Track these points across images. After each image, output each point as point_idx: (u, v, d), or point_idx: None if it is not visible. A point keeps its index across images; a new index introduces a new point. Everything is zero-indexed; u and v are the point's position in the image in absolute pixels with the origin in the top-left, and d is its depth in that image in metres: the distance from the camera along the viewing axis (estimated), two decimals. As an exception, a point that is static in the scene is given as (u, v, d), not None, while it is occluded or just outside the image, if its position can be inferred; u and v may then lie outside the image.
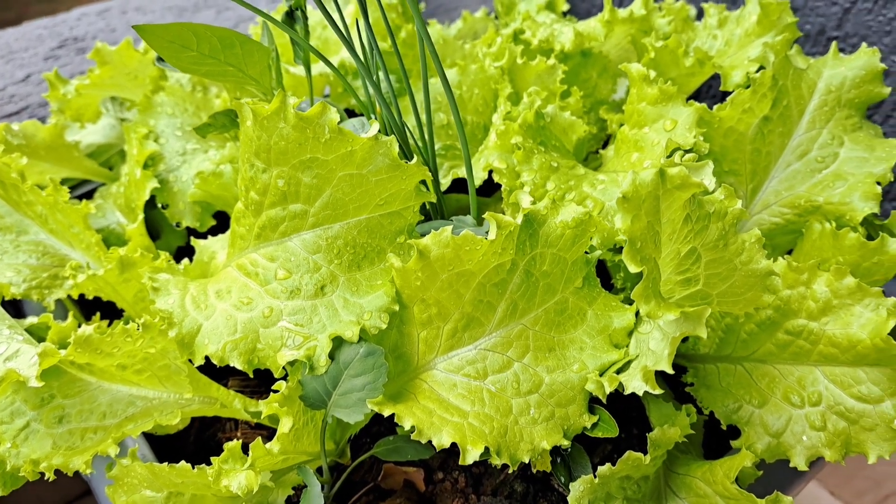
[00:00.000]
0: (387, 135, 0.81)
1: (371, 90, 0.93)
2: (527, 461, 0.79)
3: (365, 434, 1.03)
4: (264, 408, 0.77)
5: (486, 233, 0.77)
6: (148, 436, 1.00)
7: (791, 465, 0.86)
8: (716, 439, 1.01)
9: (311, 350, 0.80)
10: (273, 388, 0.79)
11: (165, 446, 1.03)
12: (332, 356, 0.80)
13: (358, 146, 0.79)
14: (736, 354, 0.94)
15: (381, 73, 0.92)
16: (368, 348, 0.80)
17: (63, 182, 1.24)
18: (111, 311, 1.10)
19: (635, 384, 0.74)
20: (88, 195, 1.29)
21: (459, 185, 1.24)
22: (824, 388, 0.86)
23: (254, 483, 0.73)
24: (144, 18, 1.87)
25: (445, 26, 1.45)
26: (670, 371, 0.70)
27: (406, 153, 0.91)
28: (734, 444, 0.88)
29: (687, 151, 0.89)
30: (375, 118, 0.97)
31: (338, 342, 0.80)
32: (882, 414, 0.82)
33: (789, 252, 1.04)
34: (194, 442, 1.04)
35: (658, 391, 0.73)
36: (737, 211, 0.80)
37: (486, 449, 0.76)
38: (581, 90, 1.25)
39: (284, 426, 0.76)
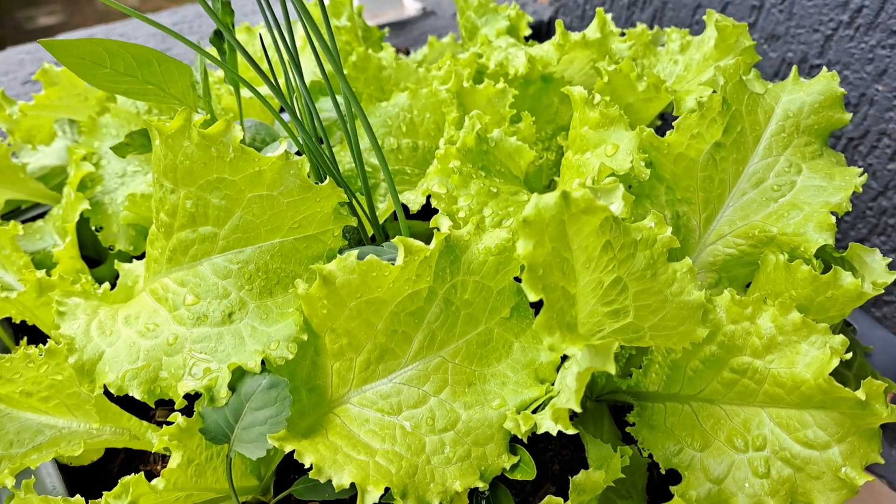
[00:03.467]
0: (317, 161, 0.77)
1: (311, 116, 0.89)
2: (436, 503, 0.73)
3: (293, 469, 0.98)
4: (157, 441, 0.72)
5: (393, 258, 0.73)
6: (66, 468, 0.96)
7: (732, 514, 0.79)
8: (665, 482, 0.94)
9: (213, 381, 0.75)
10: (168, 419, 0.74)
11: (87, 478, 0.98)
12: (234, 388, 0.76)
13: (266, 166, 0.75)
14: (683, 393, 0.89)
15: (307, 96, 0.88)
16: (272, 380, 0.75)
17: (12, 204, 1.22)
18: (45, 336, 1.07)
19: (547, 424, 0.69)
20: (41, 217, 1.26)
21: (426, 211, 1.20)
22: (769, 431, 0.80)
23: (134, 522, 0.68)
24: (128, 45, 1.87)
25: (414, 52, 1.43)
26: (578, 409, 0.64)
27: (322, 176, 0.87)
28: (673, 489, 0.82)
29: (622, 178, 0.84)
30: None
31: (241, 373, 0.76)
32: (829, 461, 0.76)
33: (748, 285, 0.98)
34: (117, 475, 0.99)
35: (571, 430, 0.67)
36: (666, 239, 0.75)
37: (388, 490, 0.71)
38: (543, 117, 1.21)
39: (174, 461, 0.71)
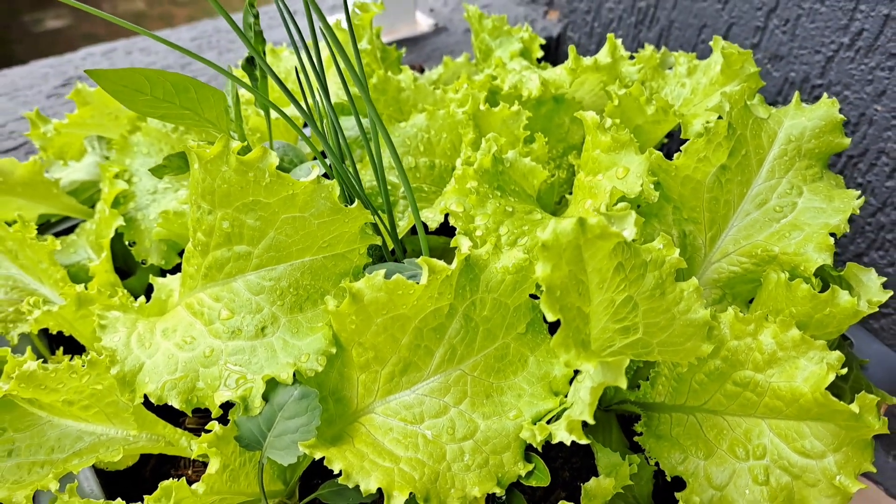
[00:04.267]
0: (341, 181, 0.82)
1: (330, 137, 0.94)
2: (457, 509, 0.78)
3: (317, 475, 1.03)
4: (195, 448, 0.77)
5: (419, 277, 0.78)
6: (101, 472, 1.01)
7: (734, 520, 0.84)
8: (670, 490, 0.99)
9: (247, 391, 0.80)
10: (206, 427, 0.79)
11: (122, 482, 1.03)
12: (267, 398, 0.81)
13: (299, 189, 0.80)
14: (689, 404, 0.93)
15: (334, 119, 0.94)
16: (303, 391, 0.80)
17: (43, 218, 1.27)
18: (79, 347, 1.12)
19: (562, 434, 0.73)
20: (71, 231, 1.32)
21: (443, 227, 1.26)
22: (769, 441, 0.85)
23: (177, 523, 0.73)
24: (148, 59, 1.93)
25: (428, 71, 1.48)
26: (591, 421, 0.69)
27: (350, 197, 0.92)
28: (678, 495, 0.87)
29: (632, 199, 0.89)
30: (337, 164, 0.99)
31: (273, 384, 0.81)
32: (824, 470, 0.81)
33: (751, 301, 1.03)
34: (150, 478, 1.04)
35: (584, 441, 0.72)
36: (674, 260, 0.79)
37: (412, 495, 0.75)
38: (554, 136, 1.26)
39: (212, 467, 0.76)
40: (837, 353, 0.81)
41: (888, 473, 1.72)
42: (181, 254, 1.15)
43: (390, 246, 1.05)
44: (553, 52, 2.06)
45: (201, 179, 0.82)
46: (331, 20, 1.41)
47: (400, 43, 1.95)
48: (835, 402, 0.77)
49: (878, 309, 1.57)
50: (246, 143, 0.87)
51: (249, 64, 0.95)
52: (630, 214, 0.71)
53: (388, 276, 0.79)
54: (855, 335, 1.17)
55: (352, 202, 0.94)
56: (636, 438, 0.94)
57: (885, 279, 0.90)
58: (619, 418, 1.07)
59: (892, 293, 0.89)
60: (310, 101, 1.14)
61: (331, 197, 0.81)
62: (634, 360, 1.01)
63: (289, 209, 0.81)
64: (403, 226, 1.07)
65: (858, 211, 0.95)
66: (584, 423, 1.03)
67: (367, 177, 1.12)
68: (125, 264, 1.24)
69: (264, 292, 0.84)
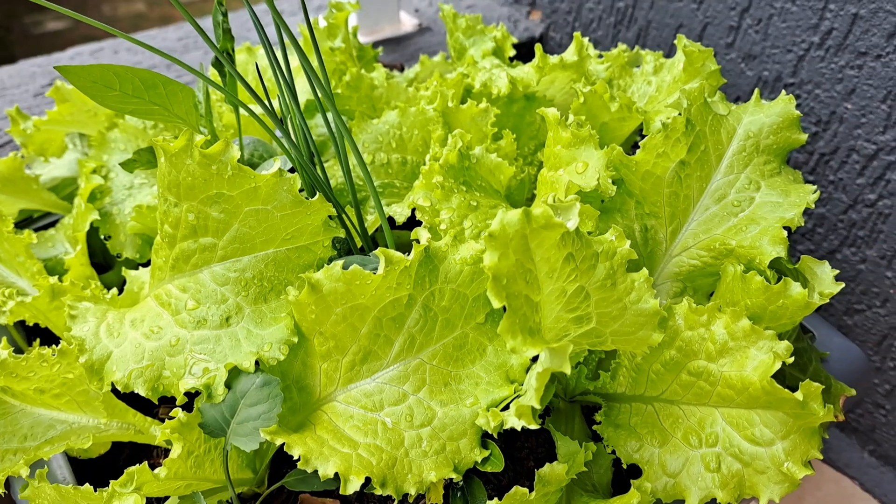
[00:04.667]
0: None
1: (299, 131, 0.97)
2: (413, 493, 0.80)
3: (287, 463, 1.05)
4: (159, 433, 0.80)
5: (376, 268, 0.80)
6: (76, 461, 1.03)
7: (686, 505, 0.86)
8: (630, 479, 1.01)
9: (211, 379, 0.82)
10: (170, 414, 0.82)
11: (96, 471, 1.06)
12: (230, 386, 0.83)
13: (261, 182, 0.82)
14: (647, 394, 0.95)
15: (300, 116, 0.96)
16: (265, 378, 0.82)
17: (25, 213, 1.30)
18: (55, 338, 1.15)
19: (512, 420, 0.76)
20: (52, 226, 1.34)
21: (411, 222, 1.28)
22: (721, 429, 0.87)
23: (140, 506, 0.76)
24: (135, 58, 1.95)
25: (408, 69, 1.50)
26: (538, 406, 0.71)
27: (313, 191, 0.95)
28: (633, 483, 0.89)
29: (592, 194, 0.91)
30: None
31: (237, 373, 0.83)
32: (773, 456, 0.83)
33: (711, 294, 1.05)
34: (124, 466, 1.06)
35: (534, 426, 0.74)
36: (625, 251, 0.81)
37: (368, 479, 0.78)
38: (526, 133, 1.28)
39: (174, 452, 0.78)
40: (786, 343, 0.83)
41: (863, 469, 1.74)
42: (156, 248, 1.17)
43: (359, 244, 1.07)
44: (533, 55, 2.08)
45: (167, 172, 0.84)
46: (318, 18, 1.43)
47: (383, 43, 1.97)
48: (781, 390, 0.79)
49: (852, 305, 1.59)
50: (209, 138, 0.89)
51: (219, 63, 0.97)
52: (574, 206, 0.74)
53: (346, 267, 0.81)
54: (818, 328, 1.19)
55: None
56: (595, 428, 0.96)
57: (837, 271, 0.92)
58: (583, 409, 1.09)
59: (843, 285, 0.91)
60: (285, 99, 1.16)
61: (292, 190, 0.83)
62: (595, 352, 1.03)
63: (252, 202, 0.84)
64: (372, 220, 1.10)
65: (814, 205, 0.98)
66: (545, 411, 1.06)
67: (339, 173, 1.15)
68: (104, 259, 1.26)
69: (229, 283, 0.86)
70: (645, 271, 0.82)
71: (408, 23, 2.06)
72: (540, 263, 0.74)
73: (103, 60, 1.94)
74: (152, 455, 1.07)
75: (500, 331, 0.70)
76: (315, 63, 0.89)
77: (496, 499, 0.80)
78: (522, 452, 1.07)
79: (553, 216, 0.69)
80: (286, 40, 1.14)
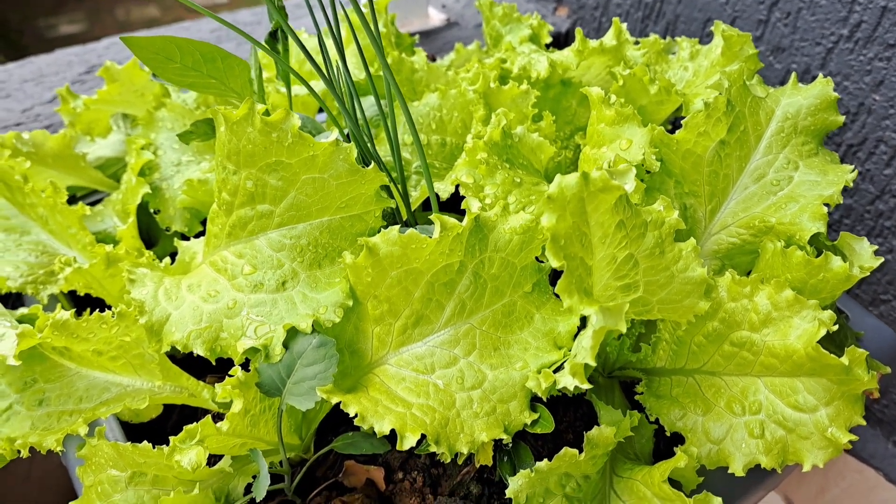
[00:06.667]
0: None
1: (348, 109, 0.99)
2: (465, 451, 0.82)
3: (331, 432, 1.07)
4: (219, 390, 0.82)
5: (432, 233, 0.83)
6: (127, 425, 1.06)
7: (729, 471, 0.88)
8: (670, 450, 1.03)
9: (269, 340, 0.85)
10: (229, 373, 0.84)
11: (146, 436, 1.08)
12: (288, 346, 0.85)
13: (319, 151, 0.85)
14: (688, 367, 0.97)
15: (351, 86, 0.98)
16: (321, 339, 0.85)
17: (71, 190, 1.33)
18: (103, 309, 1.17)
19: (566, 380, 0.78)
20: (97, 204, 1.37)
21: (451, 203, 1.31)
22: (764, 397, 0.89)
23: (202, 459, 0.78)
24: (168, 49, 1.98)
25: (440, 59, 1.53)
26: (593, 363, 0.73)
27: (366, 161, 0.97)
28: (677, 450, 0.91)
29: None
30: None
31: (293, 334, 0.85)
32: (817, 422, 0.85)
33: (749, 273, 1.07)
34: (172, 431, 1.09)
35: (586, 385, 0.76)
36: (673, 221, 0.84)
37: (423, 436, 0.80)
38: (562, 118, 1.31)
39: (235, 407, 0.81)
40: (829, 311, 0.85)
41: (888, 459, 1.75)
42: (203, 222, 1.20)
43: (404, 217, 1.09)
44: (562, 48, 2.10)
45: (227, 141, 0.87)
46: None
47: (411, 36, 2.00)
48: (826, 355, 0.81)
49: (878, 296, 1.61)
50: (270, 107, 0.92)
51: (272, 38, 1.00)
52: (630, 170, 0.76)
53: (402, 232, 0.83)
54: (851, 310, 1.21)
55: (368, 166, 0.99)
56: (637, 397, 0.98)
57: (876, 247, 0.94)
58: (621, 385, 1.11)
59: (882, 259, 0.93)
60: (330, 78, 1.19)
61: (348, 158, 0.85)
62: (636, 325, 1.05)
63: (309, 170, 0.86)
64: (415, 198, 1.12)
65: (852, 184, 1.00)
66: (585, 385, 1.08)
67: (383, 152, 1.17)
68: (148, 236, 1.29)
69: (285, 249, 0.89)
70: (692, 241, 0.84)
71: (436, 17, 2.09)
72: (594, 228, 0.77)
73: (137, 51, 1.97)
74: (201, 419, 1.09)
75: (558, 290, 0.73)
76: (369, 32, 0.91)
77: (546, 459, 0.82)
78: (562, 426, 1.09)
79: (610, 179, 0.71)
80: (340, 14, 1.17)
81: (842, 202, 0.98)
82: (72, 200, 1.32)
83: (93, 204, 1.32)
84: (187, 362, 1.13)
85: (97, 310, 0.93)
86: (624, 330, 0.72)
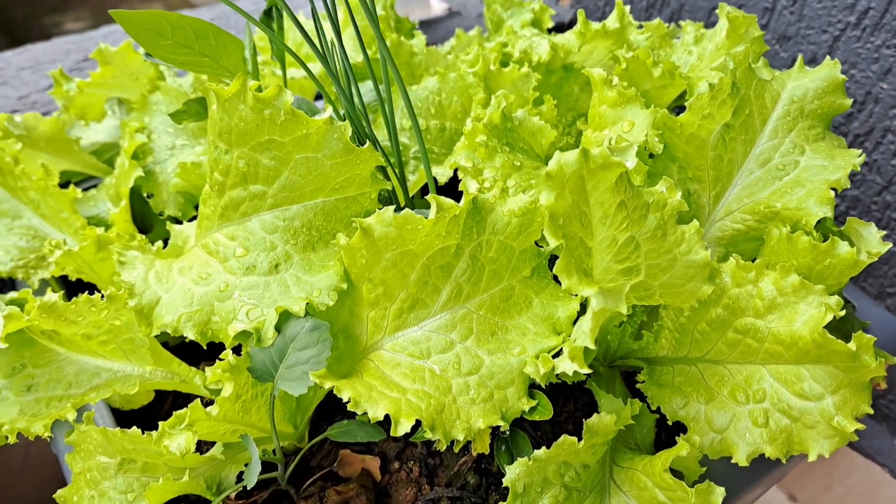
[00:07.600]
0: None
1: (345, 90, 0.97)
2: (461, 439, 0.80)
3: (327, 422, 1.05)
4: (209, 374, 0.80)
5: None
6: (118, 412, 1.04)
7: (732, 461, 0.86)
8: (671, 441, 1.01)
9: (261, 323, 0.83)
10: (220, 356, 0.82)
11: (136, 422, 1.06)
12: (280, 330, 0.83)
13: (313, 129, 0.83)
14: (691, 356, 0.95)
15: (347, 67, 0.96)
16: (314, 323, 0.82)
17: (66, 176, 1.31)
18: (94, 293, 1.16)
19: (565, 365, 0.76)
20: (92, 189, 1.35)
21: (450, 189, 1.29)
22: (769, 385, 0.86)
23: (191, 444, 0.76)
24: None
25: (441, 46, 1.51)
26: (593, 346, 0.71)
27: (361, 141, 0.95)
28: (679, 439, 0.88)
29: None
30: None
31: (286, 317, 0.83)
32: (823, 411, 0.82)
33: (754, 260, 1.04)
34: (164, 419, 1.06)
35: (586, 370, 0.74)
36: (676, 203, 0.81)
37: (419, 423, 0.78)
38: (564, 104, 1.28)
39: (226, 391, 0.79)
40: (836, 297, 0.83)
41: (893, 456, 1.73)
42: (197, 207, 1.18)
43: (402, 202, 1.07)
44: (565, 38, 2.08)
45: (219, 119, 0.85)
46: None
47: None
48: (833, 341, 0.79)
49: (884, 289, 1.58)
50: (262, 83, 0.90)
51: (268, 16, 0.98)
52: (631, 147, 0.74)
53: (396, 213, 0.81)
54: (857, 299, 1.18)
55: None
56: (638, 386, 0.96)
57: (884, 233, 0.92)
58: (623, 375, 1.09)
59: (891, 245, 0.91)
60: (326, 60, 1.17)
61: (343, 137, 0.83)
62: (638, 313, 1.03)
63: (303, 149, 0.84)
64: (413, 182, 1.10)
65: (859, 168, 0.97)
66: (586, 375, 1.05)
67: (381, 137, 1.15)
68: (142, 223, 1.27)
69: (278, 231, 0.87)
70: (695, 223, 0.82)
71: (437, 7, 2.07)
72: (594, 207, 0.74)
73: (136, 39, 1.95)
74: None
75: (556, 270, 0.71)
76: (369, 14, 0.89)
77: (544, 447, 0.80)
78: (561, 416, 1.06)
79: (610, 156, 0.69)
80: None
81: (849, 186, 0.96)
82: (66, 186, 1.30)
83: (88, 189, 1.30)
84: (181, 350, 1.11)
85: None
86: (624, 312, 0.70)
